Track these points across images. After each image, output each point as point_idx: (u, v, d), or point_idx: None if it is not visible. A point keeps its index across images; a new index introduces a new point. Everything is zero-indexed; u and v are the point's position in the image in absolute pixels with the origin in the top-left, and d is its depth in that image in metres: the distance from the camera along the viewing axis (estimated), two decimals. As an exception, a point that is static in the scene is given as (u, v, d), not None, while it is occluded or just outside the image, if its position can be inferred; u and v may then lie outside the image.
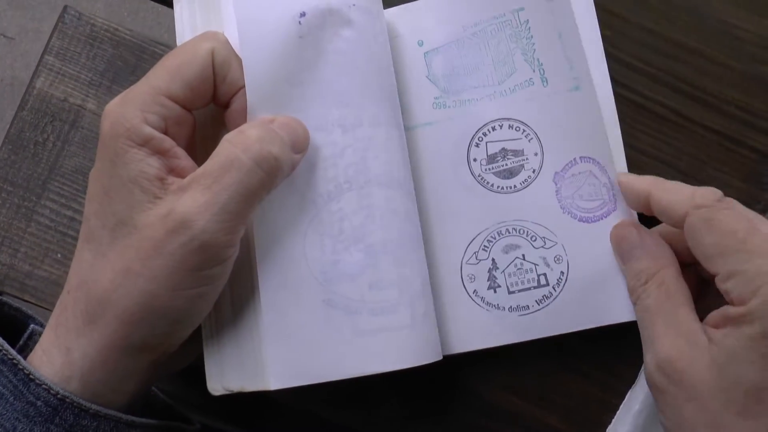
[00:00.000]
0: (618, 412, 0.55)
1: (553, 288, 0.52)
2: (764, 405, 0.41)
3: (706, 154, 0.56)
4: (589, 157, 0.51)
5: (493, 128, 0.53)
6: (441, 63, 0.54)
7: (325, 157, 0.46)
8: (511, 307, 0.52)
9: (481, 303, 0.52)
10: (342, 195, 0.46)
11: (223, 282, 0.43)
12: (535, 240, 0.52)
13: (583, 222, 0.51)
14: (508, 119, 0.52)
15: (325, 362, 0.45)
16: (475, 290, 0.52)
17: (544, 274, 0.52)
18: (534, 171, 0.52)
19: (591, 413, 0.55)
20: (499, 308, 0.52)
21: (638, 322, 0.47)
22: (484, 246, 0.52)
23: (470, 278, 0.52)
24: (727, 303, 0.43)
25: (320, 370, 0.45)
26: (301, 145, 0.45)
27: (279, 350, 0.44)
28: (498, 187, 0.52)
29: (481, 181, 0.52)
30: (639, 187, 0.49)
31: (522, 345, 0.53)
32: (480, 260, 0.52)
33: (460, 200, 0.53)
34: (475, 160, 0.52)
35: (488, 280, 0.52)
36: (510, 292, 0.52)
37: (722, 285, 0.43)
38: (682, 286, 0.46)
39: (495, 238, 0.52)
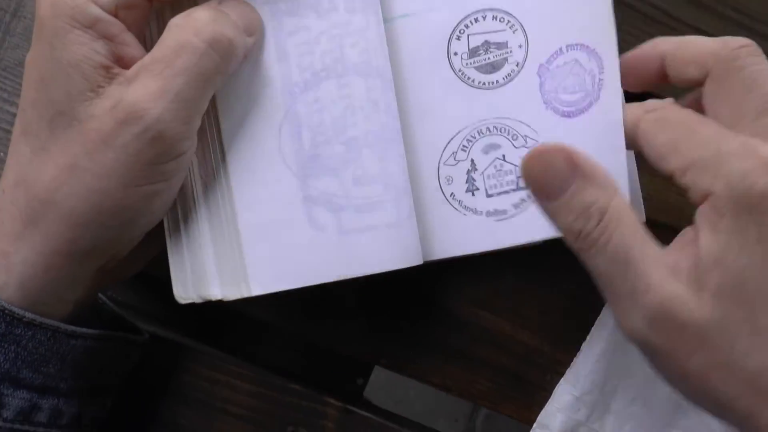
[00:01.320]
0: (593, 328, 0.53)
1: (532, 191, 0.48)
2: None
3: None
4: (578, 44, 0.48)
5: (476, 20, 0.49)
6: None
7: (299, 43, 0.44)
8: (488, 211, 0.49)
9: (458, 207, 0.49)
10: (319, 84, 0.44)
11: (179, 179, 0.42)
12: (516, 139, 0.49)
13: (566, 117, 0.48)
14: (492, 9, 0.49)
15: (310, 263, 0.43)
16: (452, 193, 0.49)
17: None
18: (518, 64, 0.48)
19: (566, 329, 0.53)
20: (476, 213, 0.49)
21: (596, 274, 0.38)
22: (463, 146, 0.49)
23: (448, 180, 0.49)
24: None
25: (305, 273, 0.43)
26: (253, 27, 0.42)
27: (259, 252, 0.43)
28: (479, 82, 0.49)
29: (462, 77, 0.49)
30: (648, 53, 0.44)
31: (496, 256, 0.50)
32: (458, 161, 0.49)
33: (440, 97, 0.49)
34: (455, 54, 0.49)
35: (466, 182, 0.49)
36: (488, 195, 0.49)
37: (680, 182, 0.37)
38: (636, 218, 0.38)
39: (475, 138, 0.49)
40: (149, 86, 0.37)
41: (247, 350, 0.54)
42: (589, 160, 0.39)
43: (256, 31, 0.42)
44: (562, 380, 0.54)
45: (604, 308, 0.53)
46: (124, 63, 0.40)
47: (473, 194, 0.49)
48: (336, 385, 0.59)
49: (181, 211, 0.44)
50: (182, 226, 0.44)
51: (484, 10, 0.48)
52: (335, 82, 0.44)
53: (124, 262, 0.43)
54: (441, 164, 0.49)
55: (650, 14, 0.54)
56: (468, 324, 0.54)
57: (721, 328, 0.35)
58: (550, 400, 0.54)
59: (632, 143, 0.42)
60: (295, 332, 0.54)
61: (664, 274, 0.36)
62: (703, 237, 0.36)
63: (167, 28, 0.39)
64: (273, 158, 0.43)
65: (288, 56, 0.43)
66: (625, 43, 0.50)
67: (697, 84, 0.41)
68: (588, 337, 0.54)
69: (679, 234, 0.38)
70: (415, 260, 0.47)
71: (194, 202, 0.44)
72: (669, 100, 0.41)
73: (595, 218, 0.37)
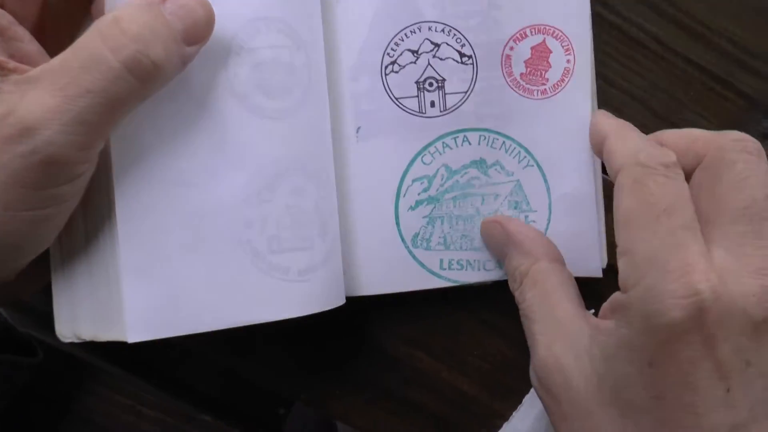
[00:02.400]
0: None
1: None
2: (642, 428, 0.35)
3: (685, 93, 0.48)
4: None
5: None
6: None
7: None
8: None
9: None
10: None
11: (73, 203, 0.37)
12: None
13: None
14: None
15: (199, 309, 0.39)
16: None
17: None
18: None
19: (507, 379, 0.49)
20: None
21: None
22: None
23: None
24: None
25: (192, 319, 0.38)
26: (199, 33, 0.37)
27: (139, 293, 0.37)
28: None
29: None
30: (601, 129, 0.42)
31: (435, 294, 0.47)
32: None
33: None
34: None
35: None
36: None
37: (618, 261, 0.36)
38: (560, 279, 0.41)
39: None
40: (46, 102, 0.33)
41: (163, 374, 0.51)
42: (521, 229, 0.44)
43: (203, 37, 0.37)
44: (498, 434, 0.50)
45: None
46: (17, 61, 0.35)
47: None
48: (256, 415, 0.55)
49: (64, 239, 0.39)
50: (64, 257, 0.40)
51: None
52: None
53: (16, 285, 0.39)
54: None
55: (638, 39, 0.49)
56: (400, 363, 0.49)
57: (591, 412, 0.36)
58: (483, 454, 0.50)
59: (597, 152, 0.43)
60: (215, 358, 0.50)
61: (562, 335, 0.39)
62: (612, 320, 0.36)
63: (89, 30, 0.34)
64: (168, 185, 0.38)
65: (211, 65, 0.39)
66: (607, 70, 0.48)
67: (688, 173, 0.38)
68: (531, 391, 0.49)
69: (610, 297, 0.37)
70: (335, 301, 0.43)
71: (76, 230, 0.39)
72: (667, 159, 0.37)
73: (518, 281, 0.42)
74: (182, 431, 0.48)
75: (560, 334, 0.39)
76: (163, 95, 0.37)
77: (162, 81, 0.36)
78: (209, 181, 0.38)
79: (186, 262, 0.38)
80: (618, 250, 0.36)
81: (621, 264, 0.35)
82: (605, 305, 0.37)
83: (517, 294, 0.42)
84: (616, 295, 0.36)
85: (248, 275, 0.39)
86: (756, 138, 0.42)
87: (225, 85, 0.39)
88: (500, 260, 0.46)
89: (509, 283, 0.43)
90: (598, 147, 0.42)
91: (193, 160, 0.38)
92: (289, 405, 0.60)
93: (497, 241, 0.45)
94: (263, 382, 0.50)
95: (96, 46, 0.33)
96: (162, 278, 0.38)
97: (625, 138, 0.39)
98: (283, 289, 0.40)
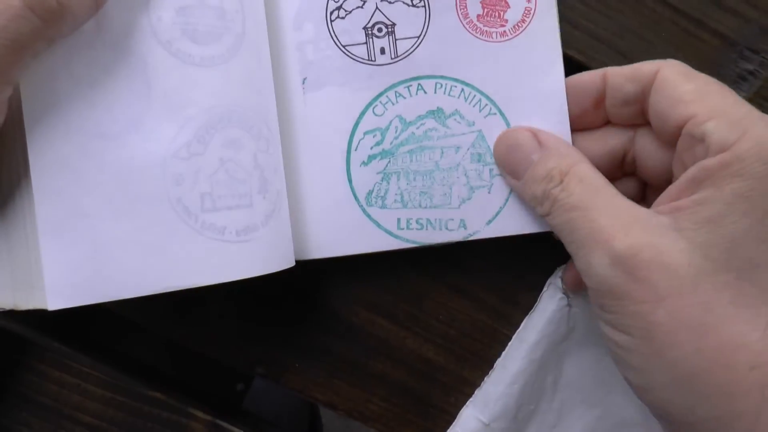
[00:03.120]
0: (509, 345, 0.47)
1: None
2: (761, 286, 0.34)
3: (655, 34, 0.46)
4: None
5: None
6: None
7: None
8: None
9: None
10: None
11: None
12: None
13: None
14: None
15: (125, 272, 0.36)
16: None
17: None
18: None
19: (476, 345, 0.47)
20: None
21: (561, 230, 0.39)
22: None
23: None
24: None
25: (117, 284, 0.36)
26: None
27: (58, 254, 0.35)
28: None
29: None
30: (591, 74, 0.42)
31: (394, 255, 0.44)
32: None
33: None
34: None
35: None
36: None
37: (698, 128, 0.36)
38: (604, 179, 0.39)
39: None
40: None
41: (107, 348, 0.48)
42: (552, 137, 0.42)
43: None
44: (468, 403, 0.47)
45: (524, 320, 0.47)
46: None
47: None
48: (211, 391, 0.53)
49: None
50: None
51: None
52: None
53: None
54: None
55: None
56: (361, 332, 0.47)
57: (698, 284, 0.34)
58: (452, 425, 0.47)
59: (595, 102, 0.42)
60: (164, 332, 0.47)
61: (634, 218, 0.36)
62: (701, 191, 0.35)
63: None
64: (85, 127, 0.35)
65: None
66: (570, 11, 0.46)
67: (635, 102, 0.41)
68: (503, 354, 0.47)
69: (672, 186, 0.37)
70: (284, 263, 0.41)
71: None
72: None
73: (557, 179, 0.39)
74: (133, 409, 0.46)
75: (632, 219, 0.36)
76: (79, 40, 0.35)
77: (71, 22, 0.33)
78: (133, 134, 0.36)
79: (109, 221, 0.35)
80: (695, 119, 0.36)
81: (711, 126, 0.36)
82: (681, 183, 0.37)
83: (556, 191, 0.39)
84: (702, 164, 0.35)
85: (178, 236, 0.37)
86: (732, 79, 0.40)
87: (147, 30, 0.36)
88: (516, 175, 0.42)
89: (534, 190, 0.40)
90: (586, 95, 0.43)
91: (113, 110, 0.36)
92: (248, 380, 0.57)
93: (523, 150, 0.42)
94: (216, 356, 0.47)
95: None
96: (83, 238, 0.35)
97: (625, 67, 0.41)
98: (218, 250, 0.38)
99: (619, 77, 0.41)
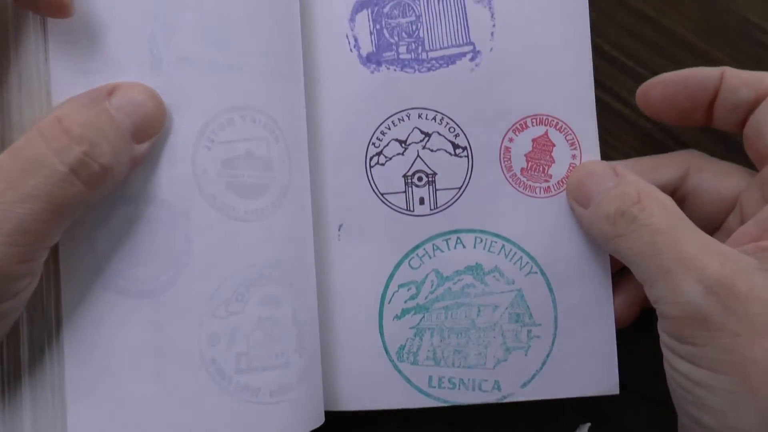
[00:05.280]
0: None
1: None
2: None
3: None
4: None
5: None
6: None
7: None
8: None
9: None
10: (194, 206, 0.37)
11: (12, 319, 0.34)
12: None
13: None
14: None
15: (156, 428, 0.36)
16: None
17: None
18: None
19: None
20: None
21: (638, 253, 0.38)
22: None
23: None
24: None
25: None
26: (150, 129, 0.35)
27: (85, 415, 0.35)
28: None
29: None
30: (709, 71, 0.42)
31: (424, 413, 0.44)
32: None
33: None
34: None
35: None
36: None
37: None
38: (682, 213, 0.39)
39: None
40: None
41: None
42: (631, 172, 0.41)
43: (153, 133, 0.36)
44: None
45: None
46: None
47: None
48: None
49: (6, 359, 0.36)
50: (5, 371, 0.36)
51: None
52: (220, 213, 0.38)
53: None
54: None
55: (646, 130, 0.48)
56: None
57: None
58: None
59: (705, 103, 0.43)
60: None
61: (722, 252, 0.36)
62: None
63: (30, 129, 0.33)
64: (121, 284, 0.36)
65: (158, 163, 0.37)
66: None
67: (746, 109, 0.41)
68: None
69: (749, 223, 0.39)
70: (315, 422, 0.41)
71: (19, 338, 0.36)
72: None
73: (634, 197, 0.39)
74: None
75: (721, 253, 0.36)
76: (119, 195, 0.35)
77: (111, 183, 0.34)
78: (168, 291, 0.36)
79: (139, 383, 0.36)
80: None
81: None
82: (763, 221, 0.38)
83: (635, 209, 0.38)
84: None
85: (211, 398, 0.37)
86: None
87: (191, 184, 0.36)
88: (586, 203, 0.42)
89: (608, 209, 0.40)
90: (702, 89, 0.42)
91: (151, 267, 0.36)
92: None
93: (599, 178, 0.42)
94: None
95: (38, 148, 0.32)
96: (111, 399, 0.35)
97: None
98: (251, 413, 0.38)
99: (737, 80, 0.41)
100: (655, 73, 0.46)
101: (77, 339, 0.35)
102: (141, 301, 0.36)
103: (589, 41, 0.43)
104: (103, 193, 0.34)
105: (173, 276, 0.36)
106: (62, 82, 0.35)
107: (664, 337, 0.38)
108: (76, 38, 0.35)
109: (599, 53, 0.47)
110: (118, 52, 0.35)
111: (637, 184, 0.40)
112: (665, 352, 0.38)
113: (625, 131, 0.47)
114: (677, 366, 0.37)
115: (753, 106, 0.41)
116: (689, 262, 0.36)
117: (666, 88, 0.43)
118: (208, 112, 0.37)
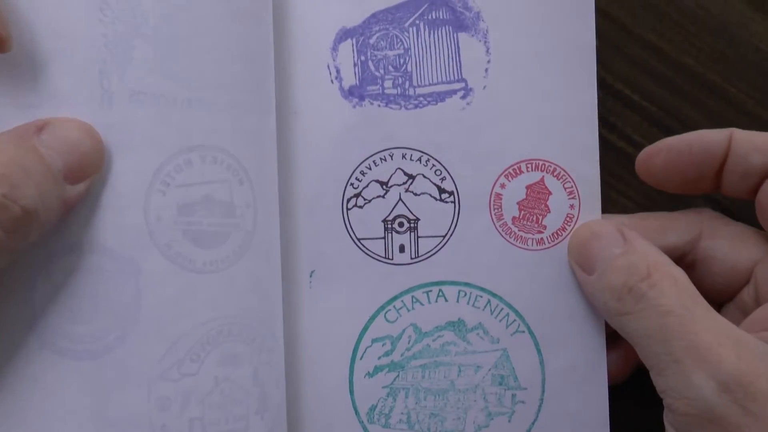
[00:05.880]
0: None
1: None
2: None
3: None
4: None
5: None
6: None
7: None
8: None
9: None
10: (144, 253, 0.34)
11: None
12: None
13: None
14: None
15: None
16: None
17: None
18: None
19: None
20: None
21: (645, 336, 0.36)
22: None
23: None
24: None
25: None
26: (87, 169, 0.32)
27: None
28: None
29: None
30: (717, 133, 0.40)
31: None
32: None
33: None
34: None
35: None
36: None
37: None
38: (695, 289, 0.37)
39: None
40: None
41: None
42: (640, 236, 0.39)
43: (90, 173, 0.33)
44: None
45: None
46: None
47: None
48: None
49: None
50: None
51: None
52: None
53: None
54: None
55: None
56: None
57: None
58: None
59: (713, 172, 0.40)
60: None
61: (738, 341, 0.34)
62: None
63: None
64: (60, 344, 0.33)
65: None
66: (616, 208, 0.43)
67: (758, 175, 0.39)
68: None
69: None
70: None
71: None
72: None
73: (643, 272, 0.36)
74: None
75: (738, 342, 0.34)
76: (60, 243, 0.33)
77: (38, 228, 0.31)
78: (114, 352, 0.33)
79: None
80: None
81: None
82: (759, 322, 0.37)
83: (644, 286, 0.36)
84: None
85: None
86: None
87: (143, 231, 0.34)
88: (589, 269, 0.39)
89: (615, 281, 0.37)
90: (708, 155, 0.40)
91: (93, 324, 0.33)
92: None
93: (605, 242, 0.39)
94: None
95: None
96: None
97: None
98: None
99: (747, 144, 0.39)
100: (663, 110, 0.43)
101: (7, 402, 0.32)
102: (82, 363, 0.33)
103: (595, 81, 0.41)
104: (30, 240, 0.31)
105: (121, 335, 0.33)
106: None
107: (670, 428, 0.35)
108: (17, 69, 0.32)
109: (602, 86, 0.44)
110: (64, 84, 0.32)
111: (647, 255, 0.37)
112: None
113: (630, 172, 0.44)
114: None
115: (766, 172, 0.38)
116: (702, 354, 0.33)
117: (669, 155, 0.40)
118: (164, 152, 0.34)
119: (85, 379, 0.33)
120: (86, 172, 0.32)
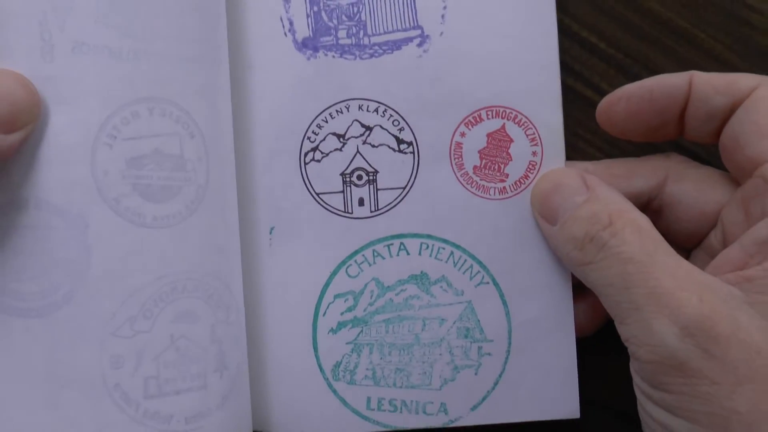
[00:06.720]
0: None
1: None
2: None
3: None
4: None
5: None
6: None
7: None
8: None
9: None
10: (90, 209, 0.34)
11: None
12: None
13: None
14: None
15: None
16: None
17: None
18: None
19: None
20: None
21: (607, 284, 0.36)
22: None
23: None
24: None
25: None
26: (21, 118, 0.32)
27: None
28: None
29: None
30: (676, 77, 0.39)
31: None
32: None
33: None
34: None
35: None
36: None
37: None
38: (662, 237, 0.36)
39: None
40: None
41: None
42: (604, 183, 0.39)
43: (26, 122, 0.32)
44: None
45: None
46: None
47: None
48: None
49: None
50: None
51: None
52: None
53: None
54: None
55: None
56: None
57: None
58: None
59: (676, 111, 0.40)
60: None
61: (702, 284, 0.34)
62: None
63: None
64: (4, 302, 0.33)
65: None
66: (581, 155, 0.42)
67: (720, 118, 0.39)
68: None
69: (732, 247, 0.36)
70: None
71: None
72: None
73: (605, 220, 0.36)
74: None
75: (701, 286, 0.34)
76: (2, 200, 0.33)
77: None
78: (63, 309, 0.33)
79: (31, 414, 0.33)
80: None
81: None
82: (747, 247, 0.36)
83: (605, 235, 0.36)
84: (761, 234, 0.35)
85: (117, 428, 0.34)
86: None
87: (90, 186, 0.34)
88: (552, 219, 0.39)
89: (576, 231, 0.37)
90: (670, 98, 0.40)
91: (41, 281, 0.33)
92: None
93: (568, 191, 0.39)
94: None
95: None
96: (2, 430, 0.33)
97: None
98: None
99: (708, 86, 0.38)
100: (630, 57, 0.43)
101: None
102: (31, 321, 0.33)
103: (555, 23, 0.41)
104: None
105: (69, 291, 0.33)
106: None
107: (636, 380, 0.35)
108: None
109: (567, 34, 0.44)
110: (2, 37, 0.32)
111: (609, 204, 0.37)
112: (639, 395, 0.35)
113: (596, 121, 0.44)
114: (652, 412, 0.34)
115: (728, 114, 0.38)
116: (664, 299, 0.33)
117: (629, 103, 0.40)
118: (110, 104, 0.34)
119: (34, 338, 0.33)
120: (19, 121, 0.32)
